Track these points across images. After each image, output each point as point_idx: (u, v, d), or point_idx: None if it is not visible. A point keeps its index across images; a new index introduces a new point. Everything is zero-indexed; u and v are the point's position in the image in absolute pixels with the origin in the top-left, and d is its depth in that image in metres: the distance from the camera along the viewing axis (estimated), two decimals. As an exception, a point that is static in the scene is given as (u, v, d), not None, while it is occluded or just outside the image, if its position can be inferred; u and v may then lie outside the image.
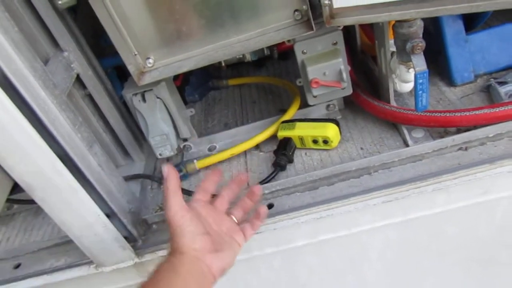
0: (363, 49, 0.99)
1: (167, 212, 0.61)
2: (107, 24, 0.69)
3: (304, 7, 0.67)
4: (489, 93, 0.83)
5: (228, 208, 0.69)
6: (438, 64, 0.90)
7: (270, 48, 1.05)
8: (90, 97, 0.84)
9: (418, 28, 0.65)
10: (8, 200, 0.93)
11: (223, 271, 0.61)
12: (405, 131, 0.80)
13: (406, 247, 0.82)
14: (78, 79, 0.81)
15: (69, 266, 0.80)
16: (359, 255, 0.82)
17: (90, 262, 0.78)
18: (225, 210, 0.69)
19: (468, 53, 0.85)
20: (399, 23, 0.65)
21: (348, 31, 0.97)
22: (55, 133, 0.61)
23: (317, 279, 0.87)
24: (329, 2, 0.65)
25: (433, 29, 0.87)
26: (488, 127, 0.72)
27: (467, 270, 0.88)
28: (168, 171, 0.62)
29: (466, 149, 0.73)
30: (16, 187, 0.94)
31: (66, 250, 0.83)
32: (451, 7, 0.59)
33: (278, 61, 1.16)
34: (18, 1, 0.69)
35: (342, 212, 0.72)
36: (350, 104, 0.92)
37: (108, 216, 0.71)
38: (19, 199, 0.92)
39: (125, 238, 0.75)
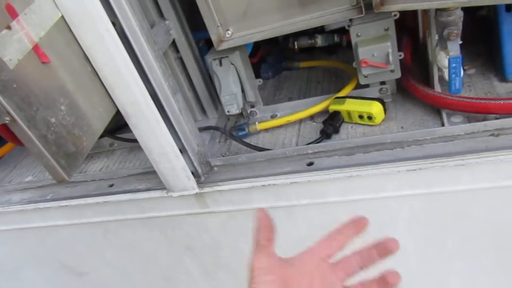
0: (424, 41, 1.06)
1: (250, 264, 0.49)
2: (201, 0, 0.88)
3: (357, -7, 0.79)
4: (538, 90, 0.86)
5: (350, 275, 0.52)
6: (495, 60, 0.95)
7: (340, 36, 1.17)
8: (180, 60, 1.05)
9: (456, 17, 0.73)
10: (112, 137, 1.19)
11: None
12: (445, 115, 0.87)
13: (432, 223, 0.89)
14: (174, 43, 1.02)
15: (148, 189, 1.01)
16: (386, 222, 0.91)
17: (163, 188, 0.98)
18: (343, 280, 0.52)
19: (524, 51, 0.89)
20: (439, 12, 0.74)
21: (415, 24, 1.05)
22: (150, 76, 0.81)
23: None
24: (379, -10, 0.76)
25: (493, 26, 0.92)
26: (523, 117, 0.77)
27: (496, 257, 0.91)
28: (261, 217, 0.51)
29: (497, 135, 0.78)
30: (118, 128, 1.20)
31: (147, 178, 1.05)
32: (484, -1, 0.67)
33: (348, 49, 1.27)
34: (138, -23, 0.92)
35: (369, 174, 0.82)
36: (402, 90, 1.00)
37: (180, 151, 0.91)
38: (120, 137, 1.16)
39: (192, 173, 0.94)
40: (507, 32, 0.88)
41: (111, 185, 1.08)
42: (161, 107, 0.85)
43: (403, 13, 0.91)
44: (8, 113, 0.58)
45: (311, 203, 0.91)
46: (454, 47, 0.73)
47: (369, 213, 0.91)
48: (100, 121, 0.77)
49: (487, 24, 0.97)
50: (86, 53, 0.75)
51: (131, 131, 0.86)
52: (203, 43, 1.17)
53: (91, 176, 1.12)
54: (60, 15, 0.70)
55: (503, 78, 0.93)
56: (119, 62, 0.77)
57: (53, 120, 0.66)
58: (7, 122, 0.59)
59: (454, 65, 0.73)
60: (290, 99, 1.17)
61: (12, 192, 1.19)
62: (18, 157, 1.37)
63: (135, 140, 0.89)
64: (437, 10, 0.75)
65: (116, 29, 0.75)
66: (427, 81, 0.96)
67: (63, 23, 0.71)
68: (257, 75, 1.12)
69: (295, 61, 1.29)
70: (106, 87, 0.79)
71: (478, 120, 0.85)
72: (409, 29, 1.05)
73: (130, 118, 0.83)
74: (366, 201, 0.88)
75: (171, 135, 0.87)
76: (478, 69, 0.99)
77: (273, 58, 1.29)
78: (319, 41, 1.18)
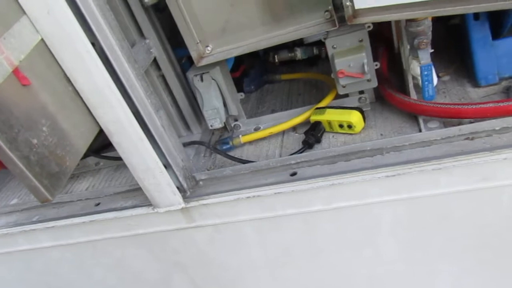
0: (399, 50, 1.09)
1: None
2: (178, 17, 0.90)
3: (330, 7, 0.82)
4: (508, 94, 0.89)
5: None
6: (467, 67, 0.98)
7: (319, 48, 1.20)
8: (163, 77, 1.07)
9: (425, 27, 0.76)
10: (97, 156, 1.19)
11: None
12: (421, 121, 0.89)
13: (416, 226, 0.90)
14: (155, 61, 1.03)
15: (134, 207, 1.01)
16: (371, 228, 0.93)
17: (149, 205, 0.99)
18: None
19: (494, 57, 0.92)
20: (409, 22, 0.77)
21: (389, 34, 1.09)
22: (132, 95, 0.82)
23: (334, 247, 0.99)
24: (351, 3, 0.79)
25: (463, 34, 0.95)
26: (496, 120, 0.79)
27: (479, 258, 0.93)
28: None
29: (472, 139, 0.81)
30: (103, 148, 1.20)
31: (133, 195, 1.05)
32: (449, 9, 0.70)
33: (327, 60, 1.30)
34: (117, -2, 0.94)
35: (351, 181, 0.84)
36: (381, 98, 1.03)
37: (165, 166, 0.92)
38: (105, 156, 1.17)
39: (177, 188, 0.95)
40: (476, 40, 0.92)
41: (98, 204, 1.08)
42: (144, 124, 0.86)
43: (378, 24, 0.94)
44: (-11, 136, 0.59)
45: (296, 213, 0.92)
46: (425, 56, 0.75)
47: (353, 220, 0.93)
48: (83, 140, 0.78)
49: (459, 32, 1.01)
50: (67, 74, 0.76)
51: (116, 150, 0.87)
52: (186, 60, 1.19)
53: (77, 195, 1.12)
54: (39, 38, 0.72)
55: (475, 84, 0.96)
56: (100, 82, 0.78)
57: (35, 141, 0.67)
58: (-12, 145, 0.59)
59: (426, 72, 0.76)
60: (273, 111, 1.19)
61: (-2, 216, 1.18)
62: (3, 180, 1.36)
63: (120, 158, 0.90)
64: (407, 20, 0.78)
65: (96, 50, 0.76)
66: (403, 89, 0.98)
67: (43, 46, 0.72)
68: (240, 89, 1.14)
69: (277, 74, 1.31)
70: (88, 106, 0.80)
71: (454, 125, 0.88)
72: (385, 39, 1.09)
73: (113, 136, 0.84)
74: (350, 208, 0.89)
75: (155, 151, 0.88)
76: (452, 76, 1.03)
77: (255, 72, 1.31)
78: (299, 54, 1.21)
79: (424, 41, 0.75)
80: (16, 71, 0.65)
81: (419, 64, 0.80)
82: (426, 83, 0.77)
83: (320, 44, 1.19)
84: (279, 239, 0.98)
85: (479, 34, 0.92)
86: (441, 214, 0.87)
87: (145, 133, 0.86)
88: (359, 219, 0.91)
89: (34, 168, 0.65)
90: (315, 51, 1.21)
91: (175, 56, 1.10)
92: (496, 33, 0.92)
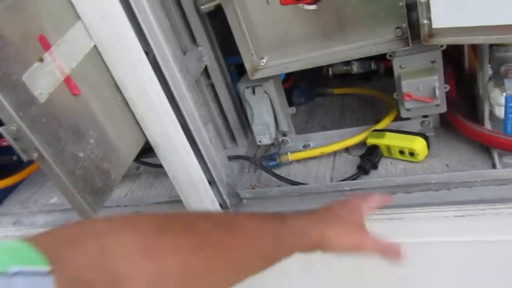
0: (470, 73, 1.00)
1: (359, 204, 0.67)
2: (235, 26, 0.84)
3: (404, 24, 0.74)
4: None
5: None
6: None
7: (377, 63, 1.12)
8: (212, 86, 1.02)
9: (515, 53, 0.67)
10: (138, 162, 1.16)
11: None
12: (496, 155, 0.80)
13: (480, 272, 0.81)
14: (206, 70, 0.99)
15: (173, 220, 0.97)
16: (428, 269, 0.84)
17: (189, 219, 0.94)
18: None
19: None
20: (496, 46, 0.68)
21: (459, 54, 1.00)
22: (181, 107, 0.78)
23: (384, 284, 0.91)
24: (428, 22, 0.71)
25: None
26: None
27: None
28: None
29: (557, 181, 0.71)
30: (144, 152, 1.17)
31: (173, 207, 1.01)
32: (549, 36, 0.60)
33: (384, 76, 1.21)
34: (171, 3, 0.89)
35: (413, 218, 0.76)
36: (446, 124, 0.94)
37: (209, 182, 0.87)
38: (146, 162, 1.14)
39: (220, 204, 0.90)
40: None
41: (137, 212, 1.05)
42: (192, 138, 0.81)
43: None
44: (36, 149, 0.56)
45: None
46: (512, 85, 0.66)
47: (410, 257, 0.85)
48: (129, 153, 0.75)
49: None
50: (118, 82, 0.72)
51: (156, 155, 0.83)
52: (234, 68, 1.14)
53: (116, 201, 1.10)
54: (93, 44, 0.68)
55: (559, 115, 0.85)
56: (150, 92, 0.74)
57: (81, 154, 0.63)
58: (34, 158, 0.56)
59: (511, 104, 0.67)
60: (323, 128, 1.12)
61: (37, 214, 1.18)
62: (43, 177, 1.36)
63: (161, 165, 0.85)
64: (493, 44, 0.69)
65: (149, 59, 0.72)
66: (474, 116, 0.89)
67: (95, 53, 0.69)
68: (289, 101, 1.08)
69: (329, 87, 1.24)
70: (136, 117, 0.76)
71: (533, 162, 0.78)
72: (452, 58, 1.00)
73: (160, 149, 0.80)
74: (407, 244, 0.81)
75: (201, 167, 0.84)
76: (530, 104, 0.92)
77: (305, 84, 1.25)
78: (355, 68, 1.13)
79: (513, 69, 0.66)
80: (67, 80, 0.62)
81: (503, 94, 0.71)
82: (511, 115, 0.68)
83: (378, 58, 1.11)
84: (324, 270, 0.92)
85: None
86: (509, 263, 0.77)
87: (192, 147, 0.82)
88: (417, 256, 0.83)
89: (78, 184, 0.62)
90: (373, 66, 1.12)
91: (226, 64, 1.04)
92: None
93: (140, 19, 0.70)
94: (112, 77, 0.72)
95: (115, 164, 0.70)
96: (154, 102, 0.74)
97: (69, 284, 0.35)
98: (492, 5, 0.64)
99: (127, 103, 0.74)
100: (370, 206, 0.69)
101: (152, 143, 0.79)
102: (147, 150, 1.16)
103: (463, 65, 1.01)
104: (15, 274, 0.32)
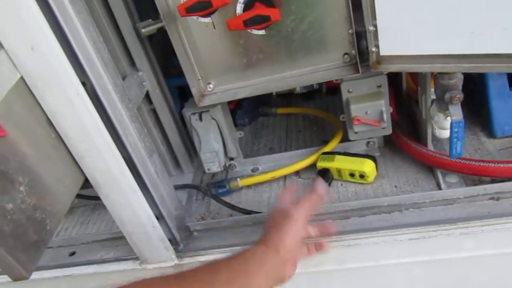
0: (408, 93, 1.04)
1: (296, 207, 0.67)
2: (179, 51, 0.79)
3: (353, 51, 0.75)
4: (528, 148, 0.85)
5: None
6: (481, 115, 0.94)
7: (320, 82, 1.13)
8: (154, 112, 0.95)
9: (458, 80, 0.70)
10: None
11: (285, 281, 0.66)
12: (440, 175, 0.83)
13: (433, 288, 0.84)
14: (147, 95, 0.92)
15: (117, 259, 0.89)
16: (384, 289, 0.86)
17: (135, 258, 0.86)
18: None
19: (511, 107, 0.88)
20: (440, 74, 0.71)
21: (396, 74, 1.03)
22: (124, 140, 0.71)
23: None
24: (376, 50, 0.72)
25: (478, 81, 0.91)
26: (522, 180, 0.74)
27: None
28: (321, 189, 0.70)
29: (497, 199, 0.76)
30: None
31: (115, 245, 0.93)
32: (490, 65, 0.64)
33: (326, 95, 1.23)
34: (108, 26, 0.82)
35: (369, 243, 0.76)
36: (390, 143, 0.97)
37: (157, 218, 0.80)
38: (81, 194, 1.03)
39: (169, 240, 0.84)
40: (493, 89, 0.87)
41: (73, 254, 0.94)
42: (137, 172, 0.74)
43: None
44: (-47, 208, 0.46)
45: (304, 272, 0.83)
46: (457, 111, 0.69)
47: (366, 280, 0.85)
48: (66, 196, 0.66)
49: (470, 77, 0.96)
50: (51, 118, 0.64)
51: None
52: (174, 89, 1.09)
53: (48, 242, 0.98)
54: (19, 76, 0.59)
55: (490, 134, 0.92)
56: (89, 127, 0.66)
57: (10, 206, 0.54)
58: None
59: (456, 129, 0.70)
60: (271, 150, 1.10)
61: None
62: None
63: (98, 197, 0.77)
64: (438, 72, 0.71)
65: (86, 89, 0.65)
66: (414, 135, 0.93)
67: (22, 85, 0.60)
68: (233, 122, 1.04)
69: (273, 107, 1.23)
70: (74, 155, 0.68)
71: (473, 180, 0.83)
72: (390, 79, 1.03)
73: (102, 188, 0.72)
74: (363, 269, 0.81)
75: (148, 203, 0.77)
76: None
77: (249, 104, 1.22)
78: (298, 87, 1.13)
79: (457, 96, 0.69)
80: (-11, 121, 0.53)
81: (446, 118, 0.74)
82: (455, 140, 0.71)
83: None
84: None
85: (497, 83, 0.87)
86: (460, 278, 0.81)
87: (137, 182, 0.75)
88: (373, 279, 0.84)
89: (7, 241, 0.53)
90: (315, 85, 1.13)
91: (167, 87, 0.99)
92: (514, 83, 0.88)
93: (75, 46, 0.62)
94: (44, 113, 0.63)
95: (51, 211, 0.61)
96: (94, 137, 0.67)
97: None
98: (436, 35, 0.66)
99: (62, 141, 0.65)
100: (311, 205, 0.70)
101: (93, 182, 0.71)
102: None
103: (400, 86, 1.06)
104: None
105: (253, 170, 1.02)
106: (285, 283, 0.67)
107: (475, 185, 0.79)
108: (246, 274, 0.60)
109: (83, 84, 0.64)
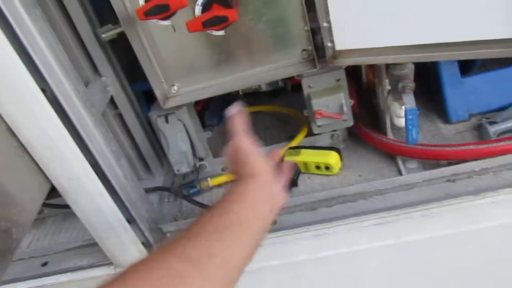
0: (368, 85, 1.08)
1: (238, 141, 0.64)
2: (141, 55, 0.80)
3: (310, 48, 0.77)
4: (480, 131, 0.90)
5: None
6: (437, 103, 0.98)
7: (284, 80, 1.15)
8: (120, 116, 0.96)
9: (409, 70, 0.74)
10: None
11: (281, 204, 0.60)
12: (400, 162, 0.87)
13: (403, 270, 0.87)
14: (112, 100, 0.92)
15: (91, 266, 0.88)
16: (358, 275, 0.88)
17: (109, 264, 0.87)
18: None
19: (463, 94, 0.93)
20: (393, 65, 0.74)
21: (356, 68, 1.07)
22: (90, 145, 0.71)
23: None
24: (332, 45, 0.75)
25: (432, 70, 0.95)
26: (475, 162, 0.79)
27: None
28: (232, 111, 0.66)
29: (453, 181, 0.80)
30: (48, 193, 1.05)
31: (89, 252, 0.92)
32: (439, 54, 0.68)
33: (292, 93, 1.26)
34: (67, 32, 0.82)
35: (337, 231, 0.79)
36: (353, 135, 1.00)
37: (128, 221, 0.81)
38: (50, 204, 1.02)
39: (142, 243, 0.84)
40: (446, 77, 0.92)
41: (45, 264, 0.93)
42: (105, 177, 0.75)
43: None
44: None
45: (281, 264, 0.85)
46: (410, 100, 0.73)
47: (339, 267, 0.88)
48: (32, 204, 0.66)
49: (425, 66, 1.01)
50: (11, 126, 0.64)
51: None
52: (141, 94, 1.09)
53: (19, 254, 0.96)
54: (-24, 86, 0.59)
55: (446, 120, 0.96)
56: (52, 134, 0.66)
57: (-27, 217, 0.54)
58: None
59: (410, 117, 0.74)
60: (239, 148, 1.11)
61: None
62: None
63: (68, 206, 0.77)
64: (390, 63, 0.75)
65: (47, 96, 0.65)
66: (376, 125, 0.96)
67: (-20, 95, 0.60)
68: (202, 123, 1.06)
69: (240, 106, 1.24)
70: (38, 163, 0.68)
71: (431, 165, 0.87)
72: (351, 73, 1.07)
73: (69, 194, 0.72)
74: (336, 256, 0.84)
75: (118, 207, 0.77)
76: (421, 111, 1.02)
77: (216, 104, 1.24)
78: (264, 86, 1.16)
79: (409, 85, 0.73)
80: None
81: (401, 107, 0.78)
82: (410, 127, 0.75)
83: (285, 76, 1.15)
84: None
85: (449, 71, 0.92)
86: (426, 259, 0.85)
87: (105, 187, 0.75)
88: (346, 265, 0.87)
89: (-28, 252, 0.52)
90: (280, 83, 1.16)
91: (132, 91, 0.99)
92: (465, 70, 0.93)
93: (32, 54, 0.62)
94: (4, 121, 0.63)
95: (17, 221, 0.61)
96: (57, 144, 0.67)
97: None
98: (387, 28, 0.70)
99: (25, 149, 0.65)
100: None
101: (60, 189, 0.71)
102: (50, 189, 1.06)
103: (361, 79, 1.09)
104: None
105: (223, 169, 1.03)
106: (282, 204, 0.61)
107: (433, 169, 0.83)
108: (253, 206, 0.54)
109: (43, 91, 0.64)
